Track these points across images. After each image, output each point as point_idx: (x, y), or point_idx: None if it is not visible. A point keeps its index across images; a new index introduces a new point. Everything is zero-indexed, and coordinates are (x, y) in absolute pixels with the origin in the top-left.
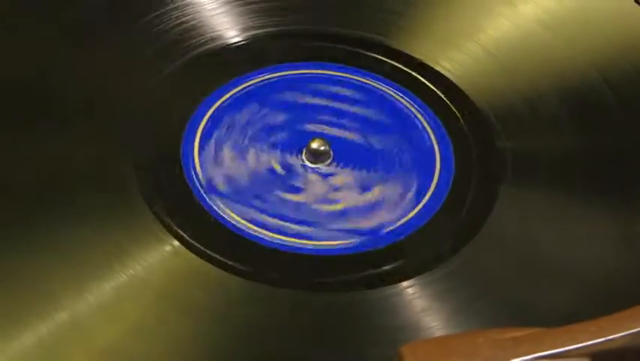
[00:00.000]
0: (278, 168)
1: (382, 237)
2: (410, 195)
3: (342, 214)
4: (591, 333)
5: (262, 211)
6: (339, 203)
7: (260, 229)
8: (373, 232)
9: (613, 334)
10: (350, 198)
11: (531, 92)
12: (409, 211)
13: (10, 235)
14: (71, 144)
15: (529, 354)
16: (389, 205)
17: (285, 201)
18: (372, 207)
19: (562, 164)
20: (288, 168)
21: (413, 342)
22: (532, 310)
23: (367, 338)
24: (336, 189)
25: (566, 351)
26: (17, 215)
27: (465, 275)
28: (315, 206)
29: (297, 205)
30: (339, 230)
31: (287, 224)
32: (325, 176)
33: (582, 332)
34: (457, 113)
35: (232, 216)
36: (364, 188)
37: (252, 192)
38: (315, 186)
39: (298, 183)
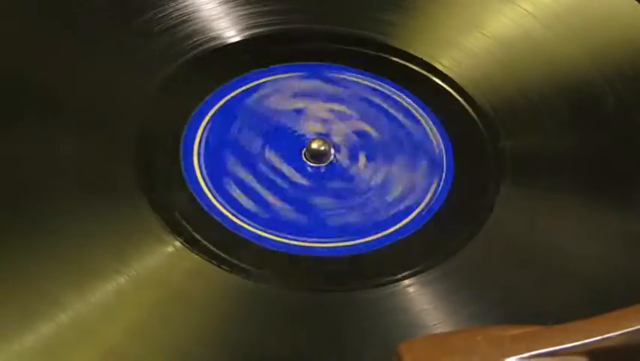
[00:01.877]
0: (280, 167)
1: (382, 237)
2: (410, 194)
3: (344, 216)
4: (588, 331)
5: (264, 212)
6: (340, 204)
7: (261, 230)
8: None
9: (610, 332)
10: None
11: (531, 91)
12: (410, 211)
13: (11, 235)
14: (71, 144)
15: (526, 352)
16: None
17: (287, 202)
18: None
19: (562, 163)
20: (290, 167)
21: (411, 339)
22: (532, 309)
23: (367, 337)
24: (335, 188)
25: (564, 349)
26: (17, 215)
27: (465, 275)
28: (315, 206)
29: (299, 205)
30: (339, 230)
31: (288, 225)
32: (324, 174)
33: (579, 331)
34: (457, 111)
35: (232, 217)
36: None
37: (253, 192)
38: (318, 186)
39: (302, 182)
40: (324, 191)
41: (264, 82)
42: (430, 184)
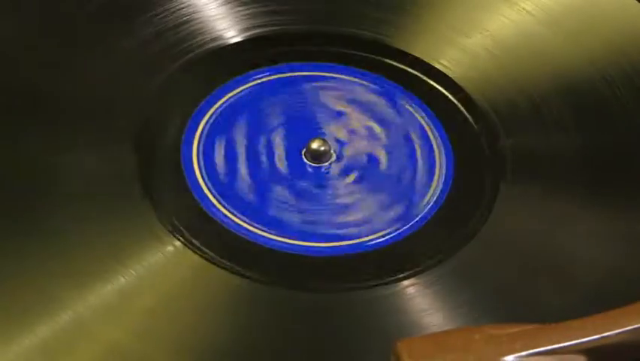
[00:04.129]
0: (276, 149)
1: (382, 237)
2: (359, 227)
3: (284, 211)
4: (587, 330)
5: (262, 211)
6: (291, 202)
7: (261, 230)
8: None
9: (609, 331)
10: (349, 198)
11: (531, 91)
12: (347, 239)
13: (11, 235)
14: (71, 144)
15: (524, 350)
16: (389, 205)
17: (286, 202)
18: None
19: (562, 162)
20: (291, 168)
21: (409, 338)
22: (531, 309)
23: (367, 337)
24: (302, 188)
25: (562, 348)
26: (17, 215)
27: (465, 275)
28: (270, 193)
29: (299, 205)
30: (273, 222)
31: (288, 225)
32: (327, 176)
33: (578, 329)
34: (457, 111)
35: (232, 216)
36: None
37: (253, 192)
38: (291, 179)
39: (281, 169)
40: (291, 185)
41: (335, 77)
42: (430, 184)
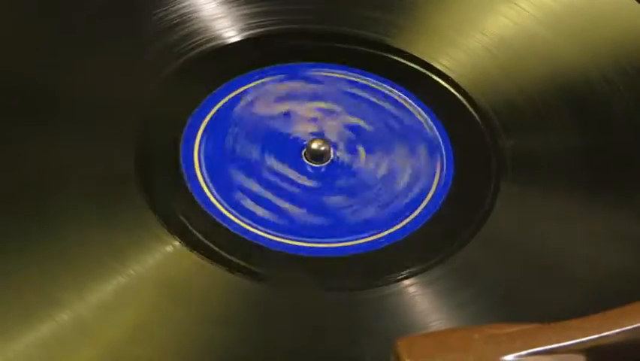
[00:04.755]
0: (281, 167)
1: (382, 237)
2: (410, 193)
3: (343, 213)
4: (586, 330)
5: (264, 211)
6: (342, 202)
7: (261, 229)
8: (373, 232)
9: (608, 331)
10: (349, 198)
11: (532, 91)
12: (409, 211)
13: (11, 235)
14: (71, 144)
15: (523, 350)
16: (388, 204)
17: (286, 202)
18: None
19: (562, 162)
20: (291, 167)
21: (409, 337)
22: (531, 309)
23: (367, 337)
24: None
25: (561, 347)
26: (17, 215)
27: (465, 275)
28: (316, 206)
29: (299, 205)
30: (339, 230)
31: (288, 225)
32: (326, 176)
33: (577, 329)
34: (457, 111)
35: (232, 216)
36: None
37: (255, 192)
38: (328, 186)
39: (300, 182)
40: (334, 190)
41: (245, 89)
42: (430, 184)
